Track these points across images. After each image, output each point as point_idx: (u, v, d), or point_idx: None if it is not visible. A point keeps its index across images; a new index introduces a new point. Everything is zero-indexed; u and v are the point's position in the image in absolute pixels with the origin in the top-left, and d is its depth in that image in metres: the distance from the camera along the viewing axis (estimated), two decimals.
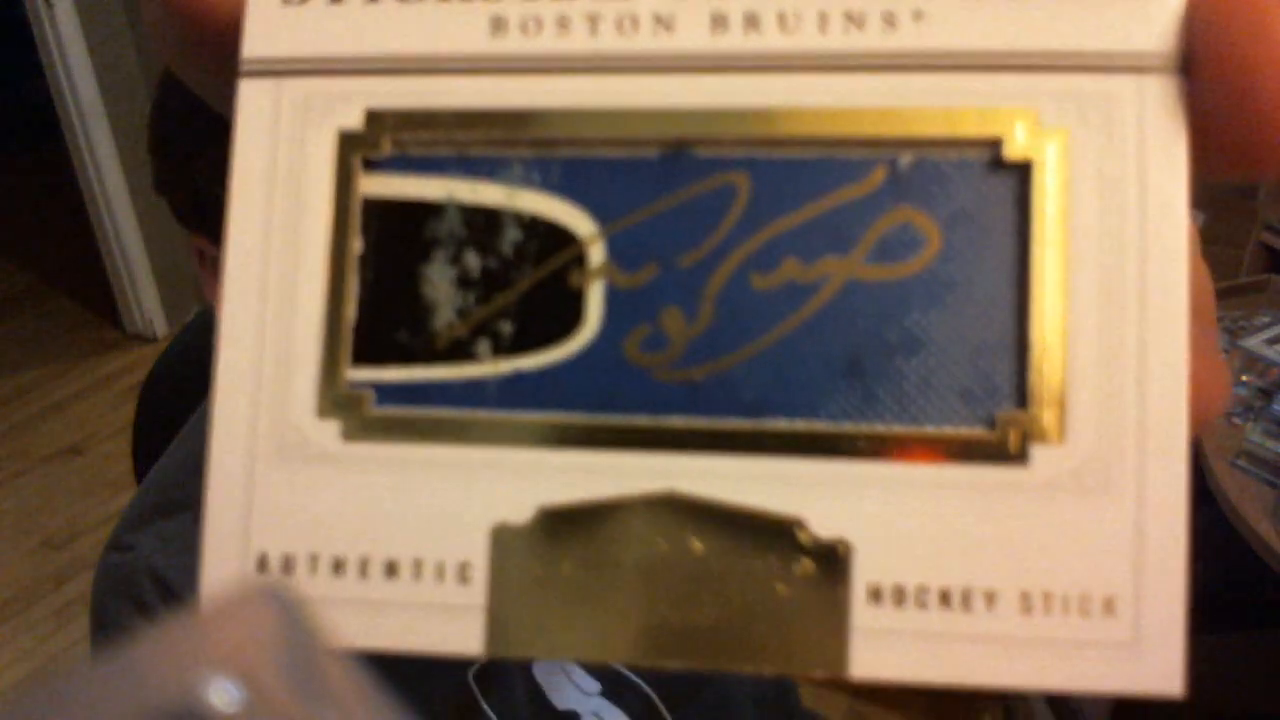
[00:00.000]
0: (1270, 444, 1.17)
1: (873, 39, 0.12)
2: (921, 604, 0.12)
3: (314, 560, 0.14)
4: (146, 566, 0.67)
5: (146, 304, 3.16)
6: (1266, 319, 1.51)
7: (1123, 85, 0.12)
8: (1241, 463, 1.19)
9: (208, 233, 0.61)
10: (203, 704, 0.20)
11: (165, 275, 3.17)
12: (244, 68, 0.14)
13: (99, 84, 2.88)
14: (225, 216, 0.14)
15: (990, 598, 0.12)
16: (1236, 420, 1.26)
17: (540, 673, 0.73)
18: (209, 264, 0.62)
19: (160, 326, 3.18)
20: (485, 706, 0.71)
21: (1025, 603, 0.12)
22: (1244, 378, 1.33)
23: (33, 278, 3.65)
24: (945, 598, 0.12)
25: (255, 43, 0.14)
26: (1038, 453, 0.12)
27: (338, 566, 0.14)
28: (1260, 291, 1.76)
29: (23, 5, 2.78)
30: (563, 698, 0.73)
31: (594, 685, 0.74)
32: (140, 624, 0.67)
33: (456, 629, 0.13)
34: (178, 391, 0.86)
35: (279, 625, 0.23)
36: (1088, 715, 1.54)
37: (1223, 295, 1.73)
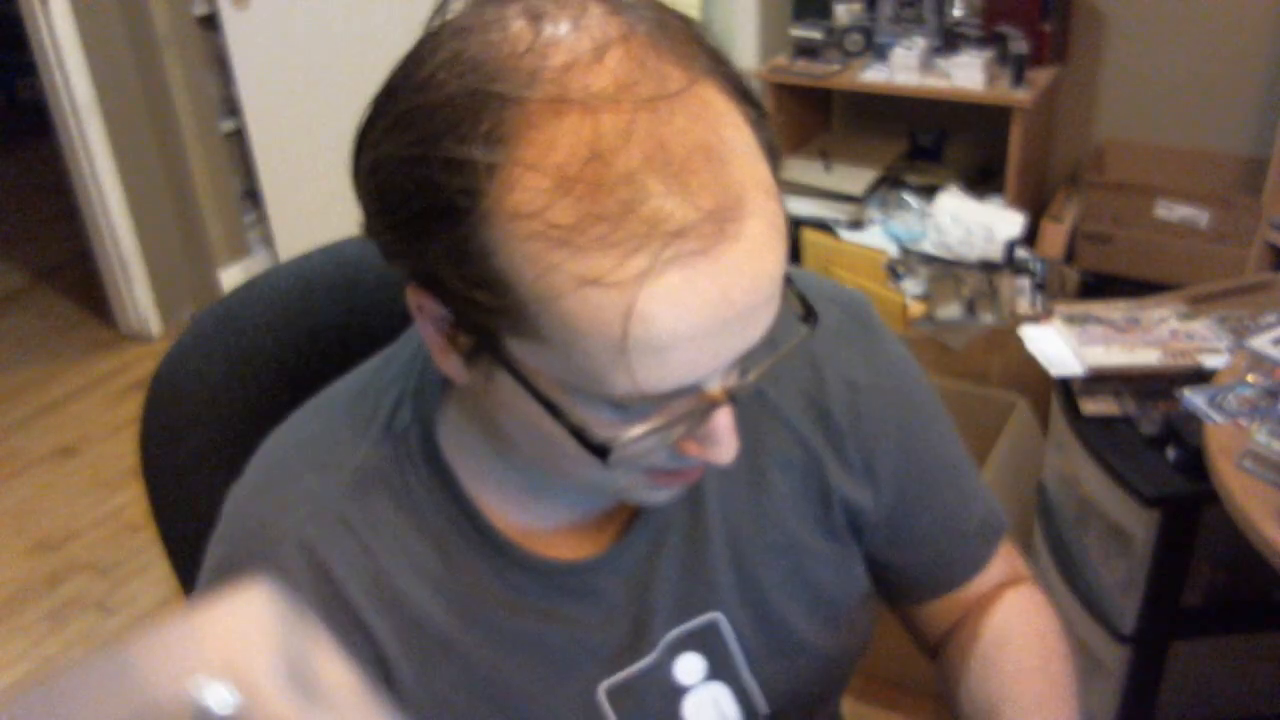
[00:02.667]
0: (1277, 445, 1.16)
1: None
2: None
3: None
4: (297, 536, 0.64)
5: (140, 304, 3.16)
6: (1272, 318, 1.50)
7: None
8: (1247, 464, 1.17)
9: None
10: (198, 707, 0.21)
11: (159, 275, 3.17)
12: None
13: (93, 83, 2.87)
14: None
15: None
16: (1242, 421, 1.24)
17: (690, 700, 0.72)
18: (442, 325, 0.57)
19: (154, 326, 3.18)
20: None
21: None
22: (1249, 378, 1.33)
23: (26, 277, 3.66)
24: None
25: None
26: None
27: None
28: (1266, 291, 1.76)
29: (17, 4, 2.78)
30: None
31: (737, 714, 0.73)
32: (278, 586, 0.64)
33: None
34: (182, 392, 0.85)
35: (274, 628, 0.24)
36: (1095, 717, 1.54)
37: (1228, 295, 1.73)
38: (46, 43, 2.78)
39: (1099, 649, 1.49)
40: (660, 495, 0.64)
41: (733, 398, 0.56)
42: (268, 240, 3.27)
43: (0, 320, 3.39)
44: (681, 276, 0.49)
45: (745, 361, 0.56)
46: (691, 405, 0.55)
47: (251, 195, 3.27)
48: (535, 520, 0.68)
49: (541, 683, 0.67)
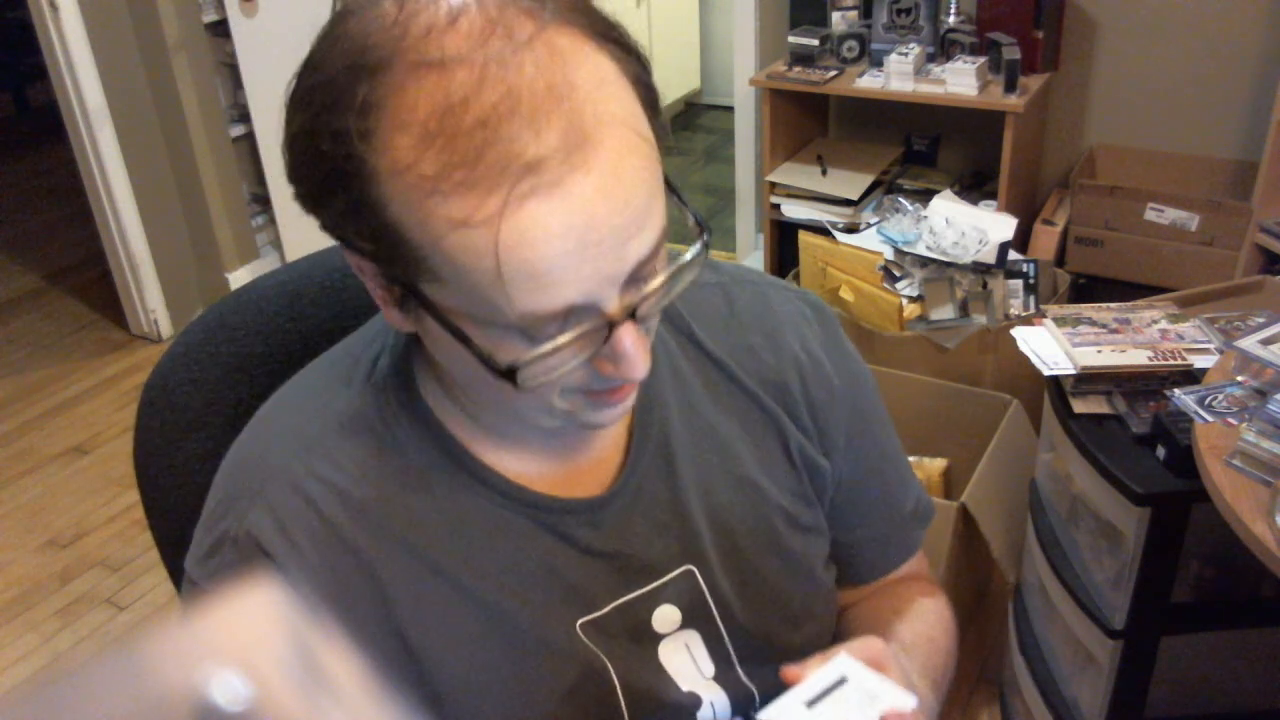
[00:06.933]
0: (1265, 444, 1.17)
1: None
2: None
3: None
4: (285, 474, 0.67)
5: (151, 305, 3.18)
6: (1261, 319, 1.51)
7: None
8: (1237, 462, 1.18)
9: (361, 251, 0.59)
10: (210, 700, 0.21)
11: (170, 276, 3.18)
12: None
13: (104, 87, 2.89)
14: None
15: None
16: (1231, 421, 1.26)
17: (665, 645, 0.75)
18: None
19: (165, 327, 3.20)
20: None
21: None
22: (1239, 378, 1.34)
23: (39, 279, 3.66)
24: None
25: None
26: None
27: None
28: (1255, 292, 1.77)
29: (28, 9, 2.80)
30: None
31: (709, 662, 0.77)
32: (281, 544, 0.66)
33: None
34: (176, 398, 0.86)
35: (285, 623, 0.24)
36: (1085, 711, 1.56)
37: (1218, 296, 1.74)
38: (57, 48, 2.79)
39: (1090, 644, 1.50)
40: (601, 414, 0.66)
41: (634, 316, 0.59)
42: (276, 243, 3.29)
43: (13, 321, 3.41)
44: (539, 207, 0.53)
45: (642, 280, 0.59)
46: (593, 324, 0.58)
47: (260, 199, 3.28)
48: (513, 464, 0.71)
49: (526, 607, 0.70)
